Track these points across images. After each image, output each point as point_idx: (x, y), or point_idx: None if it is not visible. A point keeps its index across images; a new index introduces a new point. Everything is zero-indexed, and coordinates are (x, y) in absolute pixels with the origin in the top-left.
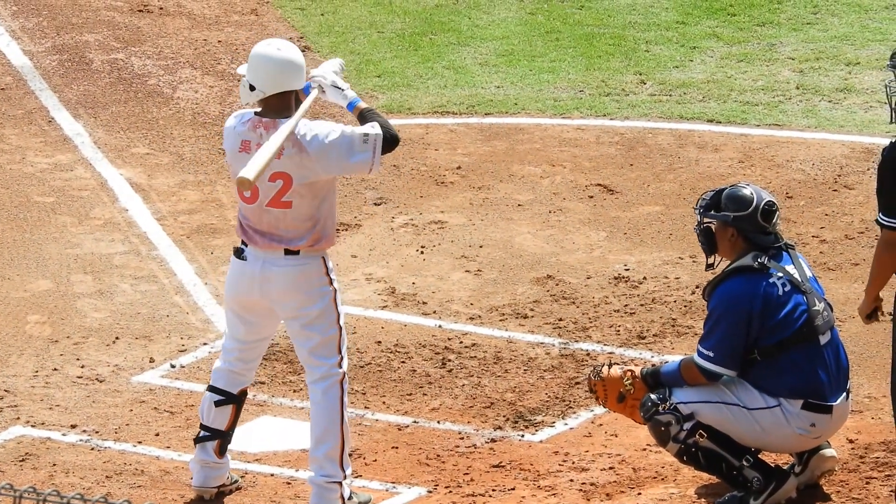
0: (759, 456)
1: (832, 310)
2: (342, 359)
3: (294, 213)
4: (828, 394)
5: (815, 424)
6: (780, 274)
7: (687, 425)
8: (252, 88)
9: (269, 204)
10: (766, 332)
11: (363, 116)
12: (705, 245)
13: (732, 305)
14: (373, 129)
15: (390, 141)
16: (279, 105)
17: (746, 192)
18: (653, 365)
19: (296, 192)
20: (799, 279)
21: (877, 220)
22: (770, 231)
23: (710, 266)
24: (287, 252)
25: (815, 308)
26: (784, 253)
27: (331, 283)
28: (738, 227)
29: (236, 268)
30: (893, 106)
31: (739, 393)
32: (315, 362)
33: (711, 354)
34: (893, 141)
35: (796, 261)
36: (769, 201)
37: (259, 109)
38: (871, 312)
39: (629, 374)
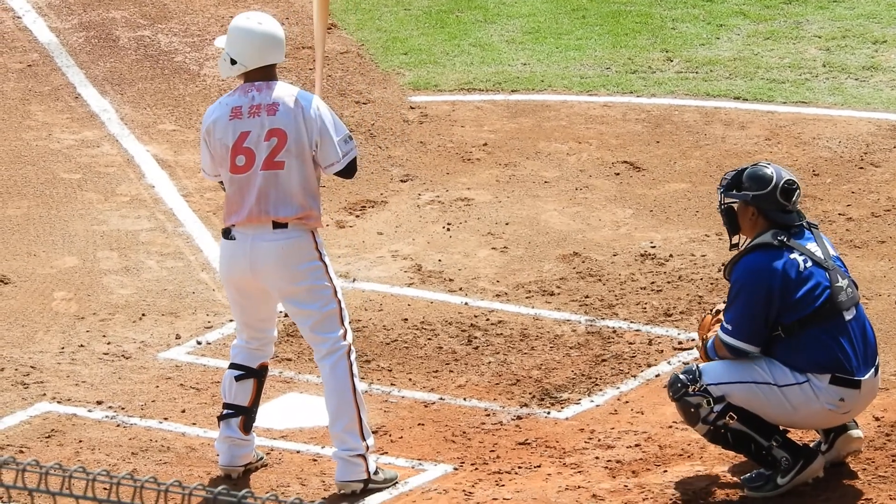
0: (788, 435)
1: (857, 287)
2: (346, 331)
3: (285, 178)
4: (855, 368)
5: (843, 399)
6: (801, 251)
7: (717, 407)
8: (233, 63)
9: (263, 167)
10: (787, 309)
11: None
12: (728, 225)
13: (751, 281)
14: (354, 143)
15: (355, 166)
16: (261, 78)
17: (767, 171)
18: None
19: (289, 151)
20: (821, 256)
21: None
22: (790, 209)
23: (734, 246)
24: (275, 225)
25: (838, 284)
26: (806, 231)
27: (321, 258)
28: (758, 205)
29: (227, 249)
30: None
31: (769, 369)
32: (318, 339)
33: (731, 328)
34: None
35: (819, 239)
36: (789, 179)
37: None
38: None
39: (705, 336)
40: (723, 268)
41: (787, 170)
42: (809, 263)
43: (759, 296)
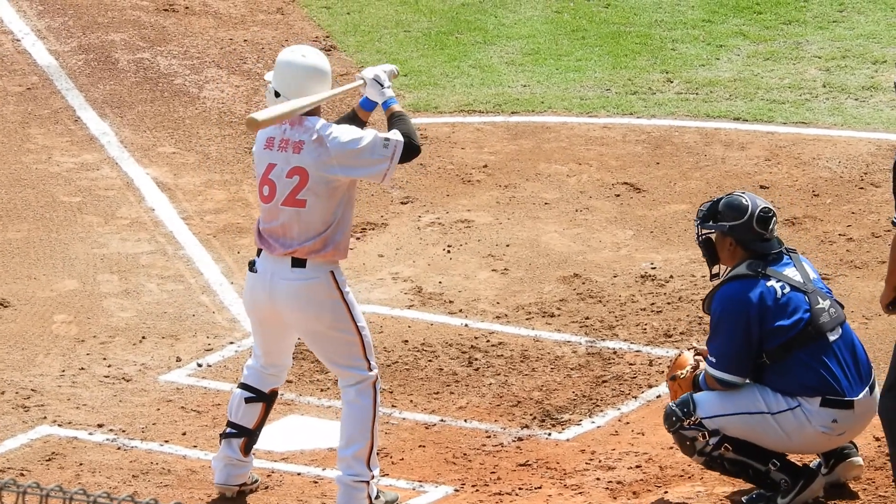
0: (788, 457)
1: (842, 307)
2: (370, 364)
3: (307, 215)
4: (846, 389)
5: (836, 421)
6: (778, 278)
7: (713, 440)
8: (277, 95)
9: (284, 202)
10: (768, 335)
11: (392, 119)
12: (707, 256)
13: (728, 311)
14: (395, 135)
15: (411, 149)
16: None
17: (742, 200)
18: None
19: (311, 190)
20: (800, 280)
21: (892, 221)
22: (768, 238)
23: (714, 276)
24: (294, 263)
25: (819, 306)
26: (785, 256)
27: (342, 297)
28: (736, 236)
29: (249, 280)
30: None
31: (762, 397)
32: (343, 372)
33: (714, 360)
34: None
35: (798, 264)
36: (765, 208)
37: None
38: (892, 302)
39: (692, 369)
40: (702, 301)
41: (761, 198)
42: (787, 289)
43: (738, 326)
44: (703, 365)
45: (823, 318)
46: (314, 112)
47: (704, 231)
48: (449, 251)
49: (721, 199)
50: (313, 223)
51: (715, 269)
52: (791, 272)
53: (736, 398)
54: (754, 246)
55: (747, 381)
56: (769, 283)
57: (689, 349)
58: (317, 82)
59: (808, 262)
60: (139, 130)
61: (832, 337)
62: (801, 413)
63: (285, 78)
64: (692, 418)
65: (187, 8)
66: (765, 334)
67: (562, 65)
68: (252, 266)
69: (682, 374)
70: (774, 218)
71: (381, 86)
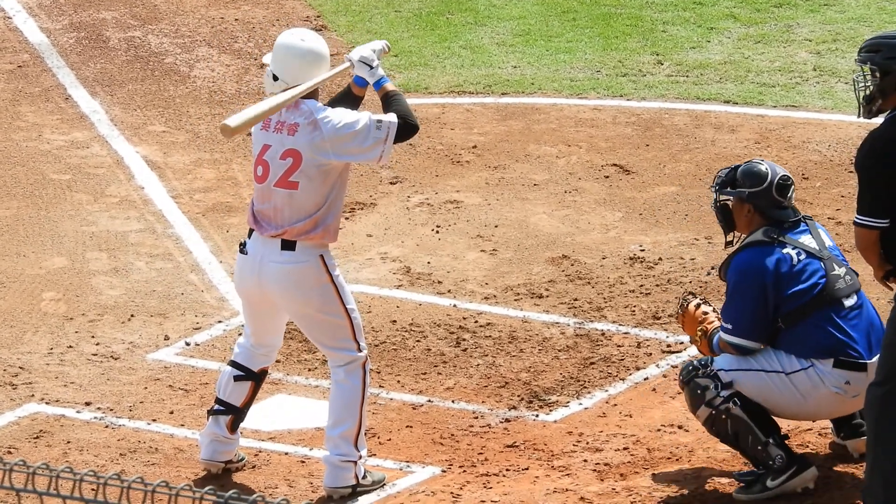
0: (786, 443)
1: (857, 275)
2: (359, 344)
3: (299, 197)
4: (860, 352)
5: (849, 382)
6: (794, 245)
7: (724, 393)
8: (276, 78)
9: (276, 184)
10: (784, 301)
11: (386, 99)
12: (723, 222)
13: (745, 276)
14: (389, 117)
15: (407, 129)
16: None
17: (762, 167)
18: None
19: (304, 172)
20: (816, 247)
21: (854, 221)
22: (786, 205)
23: (729, 244)
24: (284, 246)
25: (835, 273)
26: (802, 224)
27: (331, 281)
28: (754, 202)
29: (239, 261)
30: (861, 101)
31: (777, 358)
32: (332, 354)
33: (730, 327)
34: (872, 133)
35: (814, 231)
36: (784, 175)
37: None
38: (885, 274)
39: (703, 328)
40: (715, 270)
41: (780, 166)
42: (803, 256)
43: (754, 293)
44: (715, 322)
45: (839, 285)
46: (311, 95)
47: (722, 198)
48: (438, 231)
49: (738, 166)
50: (304, 205)
51: (730, 237)
52: (807, 239)
53: (752, 357)
54: (772, 213)
55: (762, 346)
56: (785, 250)
57: (693, 302)
58: (315, 67)
59: (824, 230)
60: (129, 109)
61: (848, 302)
62: (814, 373)
63: (283, 62)
64: (708, 368)
65: None
66: (780, 300)
67: (552, 46)
68: (242, 247)
69: (698, 338)
70: (793, 186)
71: (370, 66)
